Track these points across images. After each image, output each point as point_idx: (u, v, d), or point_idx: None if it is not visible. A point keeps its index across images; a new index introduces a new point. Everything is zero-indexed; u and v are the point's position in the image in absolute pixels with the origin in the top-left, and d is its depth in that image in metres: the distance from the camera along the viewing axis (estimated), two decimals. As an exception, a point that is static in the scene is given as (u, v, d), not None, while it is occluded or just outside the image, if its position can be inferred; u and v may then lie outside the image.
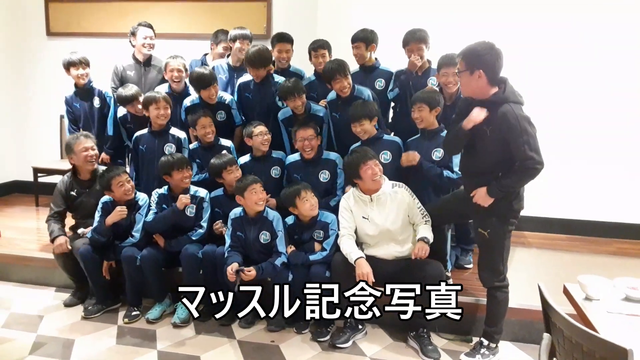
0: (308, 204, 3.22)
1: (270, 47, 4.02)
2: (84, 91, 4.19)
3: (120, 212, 3.35)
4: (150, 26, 4.37)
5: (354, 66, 3.87)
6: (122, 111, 4.11)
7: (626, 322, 1.89)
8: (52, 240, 3.50)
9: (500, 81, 2.67)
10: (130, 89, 3.97)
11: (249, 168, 3.63)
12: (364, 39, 3.78)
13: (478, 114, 2.67)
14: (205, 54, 4.45)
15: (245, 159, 3.74)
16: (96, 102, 4.21)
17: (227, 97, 3.97)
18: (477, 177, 2.81)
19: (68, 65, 4.10)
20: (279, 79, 3.86)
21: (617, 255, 4.18)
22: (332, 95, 3.78)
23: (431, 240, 3.02)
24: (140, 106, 3.88)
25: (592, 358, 1.52)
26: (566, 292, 2.22)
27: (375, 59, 3.92)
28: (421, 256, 2.97)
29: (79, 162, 3.58)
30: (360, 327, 3.17)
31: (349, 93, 3.61)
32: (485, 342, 2.90)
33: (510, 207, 2.77)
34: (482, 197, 2.75)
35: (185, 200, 3.39)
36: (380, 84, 3.87)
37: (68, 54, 4.13)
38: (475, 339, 3.01)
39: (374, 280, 2.90)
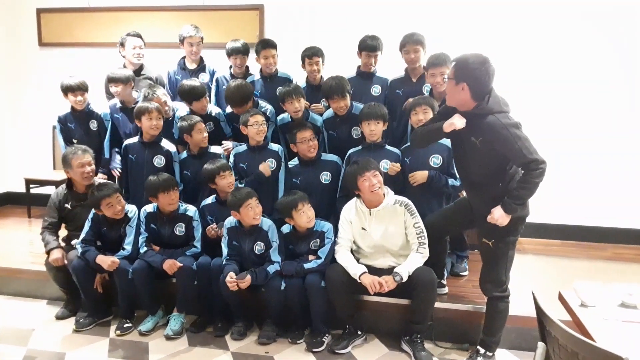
0: (305, 217, 3.16)
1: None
2: (82, 114, 4.07)
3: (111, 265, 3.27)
4: (139, 35, 4.31)
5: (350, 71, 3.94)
6: (113, 101, 4.10)
7: (622, 329, 1.87)
8: (48, 252, 3.44)
9: (485, 93, 2.54)
10: (124, 71, 3.96)
11: (243, 158, 3.62)
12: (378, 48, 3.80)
13: (459, 121, 2.60)
14: (183, 57, 4.35)
15: (241, 148, 3.69)
16: (93, 125, 4.08)
17: (215, 109, 4.00)
18: (477, 188, 2.79)
19: (66, 90, 3.97)
20: (264, 104, 3.85)
21: (612, 261, 4.17)
22: (328, 113, 3.79)
23: (405, 279, 2.91)
24: (132, 90, 3.93)
25: (588, 366, 1.50)
26: (561, 298, 2.20)
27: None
28: (378, 290, 2.89)
29: (75, 176, 3.52)
30: (359, 332, 3.14)
31: (346, 112, 3.63)
32: (482, 351, 2.88)
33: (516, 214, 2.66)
34: (501, 216, 2.61)
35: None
36: (376, 89, 3.89)
37: (66, 78, 3.98)
38: (473, 347, 2.98)
39: (383, 284, 2.89)
